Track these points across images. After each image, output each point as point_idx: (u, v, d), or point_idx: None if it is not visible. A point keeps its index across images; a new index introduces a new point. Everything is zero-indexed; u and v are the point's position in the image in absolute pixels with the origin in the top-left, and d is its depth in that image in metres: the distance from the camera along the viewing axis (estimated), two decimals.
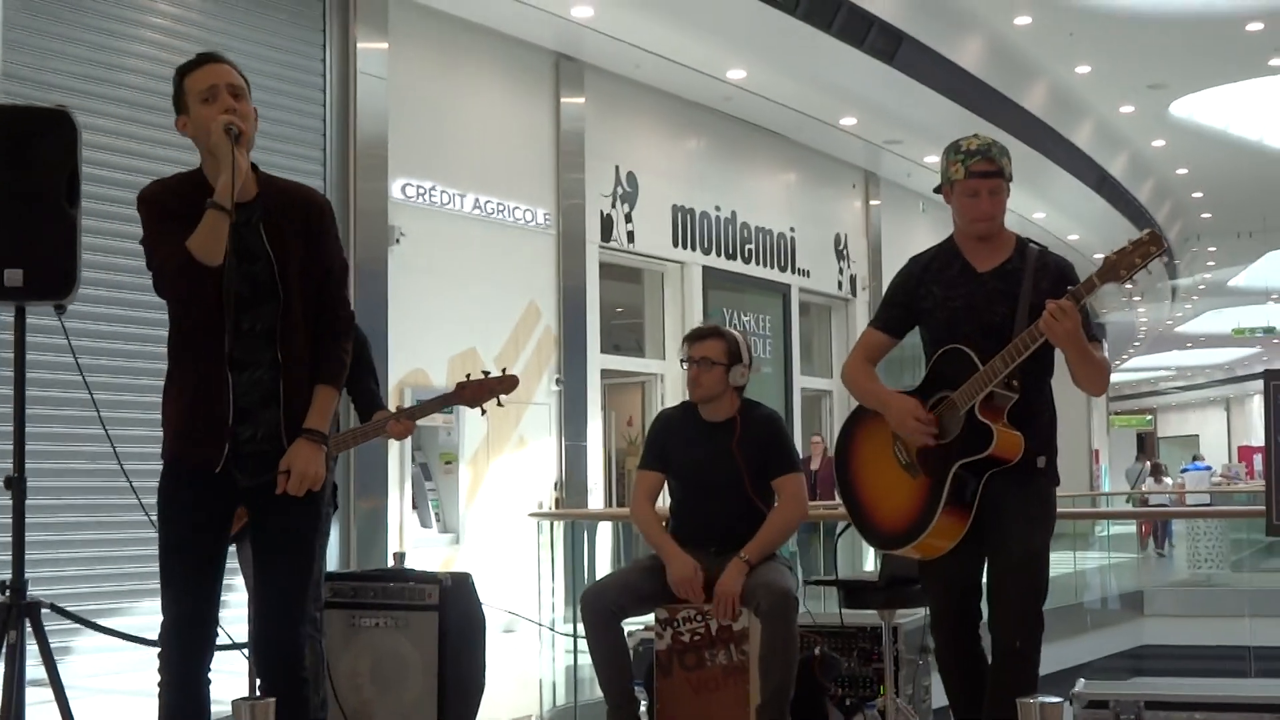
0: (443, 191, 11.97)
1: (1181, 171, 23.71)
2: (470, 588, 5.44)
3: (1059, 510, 4.35)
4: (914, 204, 19.72)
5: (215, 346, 3.58)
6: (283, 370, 3.61)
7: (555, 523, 10.48)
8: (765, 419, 5.17)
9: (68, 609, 5.15)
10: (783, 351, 17.13)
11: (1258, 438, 38.06)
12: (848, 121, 16.68)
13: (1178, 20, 16.15)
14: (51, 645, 4.73)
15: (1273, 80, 18.65)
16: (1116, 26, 16.33)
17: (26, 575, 4.20)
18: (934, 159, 4.31)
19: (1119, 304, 32.31)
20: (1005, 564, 4.07)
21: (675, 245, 15.04)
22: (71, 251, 4.35)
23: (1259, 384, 4.41)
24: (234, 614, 4.14)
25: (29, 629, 4.29)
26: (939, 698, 5.08)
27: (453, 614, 5.26)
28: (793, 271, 17.23)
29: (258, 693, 3.61)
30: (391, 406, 5.28)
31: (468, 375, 5.23)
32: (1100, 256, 3.98)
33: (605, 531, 11.66)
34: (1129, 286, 28.89)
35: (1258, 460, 32.81)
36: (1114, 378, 44.05)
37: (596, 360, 13.76)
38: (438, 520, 11.77)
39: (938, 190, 4.29)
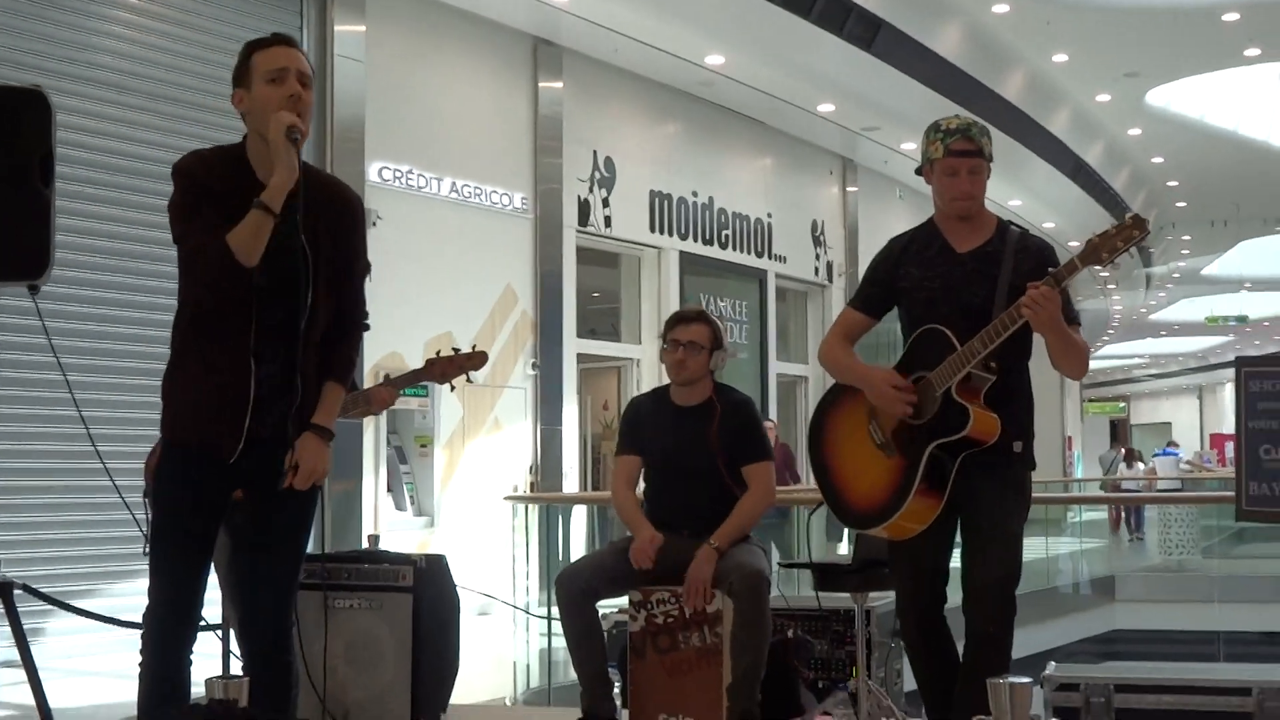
0: (420, 175, 11.95)
1: (1157, 160, 23.82)
2: (445, 569, 5.45)
3: (1034, 495, 4.36)
4: (891, 190, 19.76)
5: (238, 337, 3.52)
6: (299, 364, 3.58)
7: (530, 506, 10.50)
8: (741, 404, 5.18)
9: (41, 590, 5.15)
10: (759, 337, 17.16)
11: (1229, 425, 38.22)
12: (825, 108, 16.69)
13: (1154, 10, 16.23)
14: (24, 627, 4.73)
15: (1248, 70, 18.74)
16: (1093, 15, 16.40)
17: None
18: (911, 145, 4.30)
19: (1093, 291, 32.43)
20: (979, 547, 4.07)
21: (652, 230, 15.04)
22: (45, 232, 4.33)
23: (1231, 372, 4.44)
24: (209, 595, 4.14)
25: (1, 610, 4.28)
26: (911, 680, 5.11)
27: (427, 595, 5.26)
28: (769, 257, 17.25)
29: (240, 674, 3.61)
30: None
31: (438, 352, 5.23)
32: (1076, 245, 3.99)
33: (580, 515, 11.68)
34: (1105, 274, 29.07)
35: (1229, 448, 33.00)
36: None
37: (572, 345, 13.77)
38: (412, 503, 11.77)
39: (919, 171, 4.28)
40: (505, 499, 11.09)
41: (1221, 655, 11.00)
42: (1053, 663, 6.26)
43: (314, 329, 3.60)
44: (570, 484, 13.53)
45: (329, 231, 3.63)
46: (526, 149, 13.28)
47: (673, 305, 14.33)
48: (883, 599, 5.78)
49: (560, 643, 5.76)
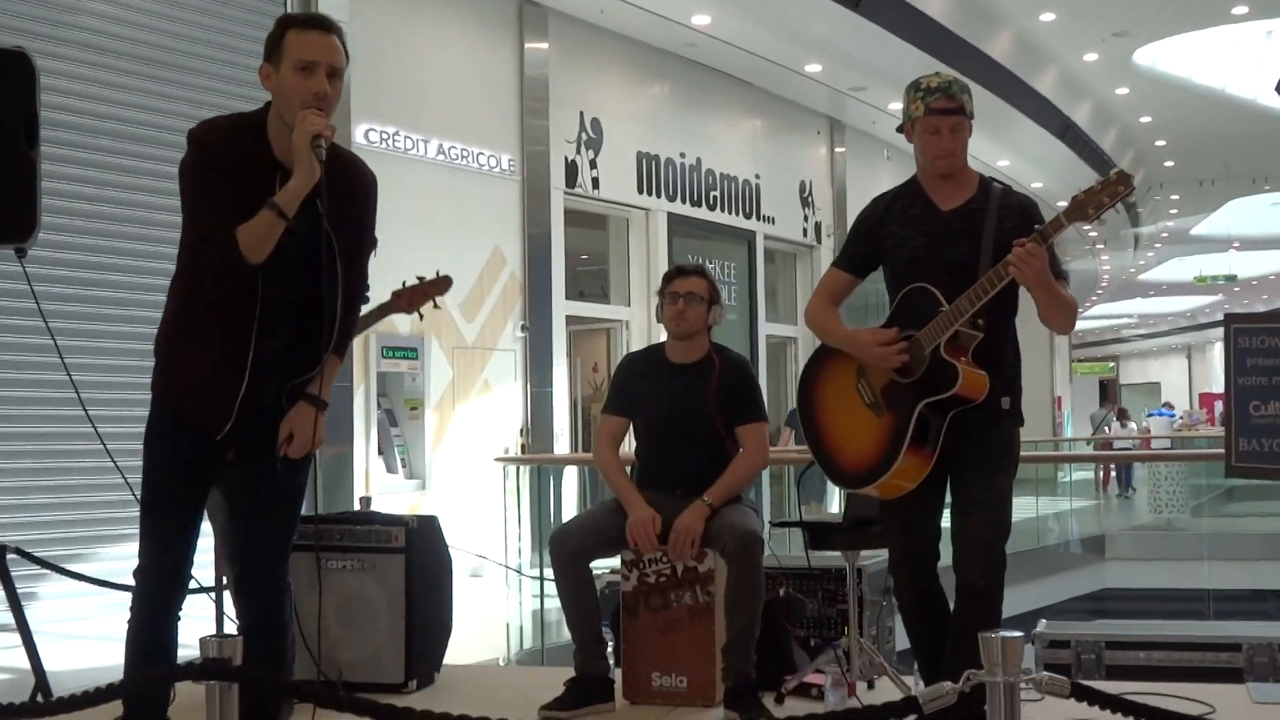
0: (406, 137, 11.91)
1: (1145, 120, 23.78)
2: (437, 530, 5.46)
3: (1024, 454, 4.37)
4: (879, 151, 19.72)
5: (242, 314, 3.48)
6: (297, 342, 3.55)
7: (521, 468, 10.52)
8: (738, 363, 5.18)
9: (34, 554, 5.15)
10: (748, 298, 17.16)
11: (1218, 384, 38.34)
12: (813, 68, 16.64)
13: None
14: (18, 590, 4.74)
15: (1236, 28, 18.70)
16: None
17: None
18: (899, 106, 4.27)
19: (1082, 252, 32.45)
20: (969, 503, 4.09)
21: (640, 192, 15.01)
22: (31, 194, 4.32)
23: (1220, 331, 4.45)
24: (202, 559, 4.14)
25: None
26: (903, 638, 5.13)
27: (419, 556, 5.28)
28: (758, 218, 17.23)
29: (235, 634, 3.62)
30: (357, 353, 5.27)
31: (403, 282, 5.22)
32: (1064, 205, 3.98)
33: (571, 476, 11.70)
34: (1093, 234, 29.10)
35: (1219, 407, 33.11)
36: (1077, 325, 44.27)
37: (562, 306, 13.77)
38: (404, 466, 11.79)
39: (900, 129, 4.27)
40: (496, 461, 11.11)
41: (1211, 612, 11.08)
42: (1044, 620, 6.30)
43: (315, 308, 3.54)
44: (561, 445, 13.54)
45: (346, 212, 3.59)
46: (513, 111, 13.23)
47: (662, 267, 14.30)
48: (874, 557, 5.80)
49: (553, 603, 5.79)
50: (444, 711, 2.57)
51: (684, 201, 15.72)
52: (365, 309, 5.15)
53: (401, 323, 11.15)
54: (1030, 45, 18.77)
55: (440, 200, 12.17)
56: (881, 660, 5.18)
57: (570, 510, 11.18)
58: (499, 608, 9.87)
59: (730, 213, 16.69)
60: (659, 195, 15.28)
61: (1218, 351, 44.77)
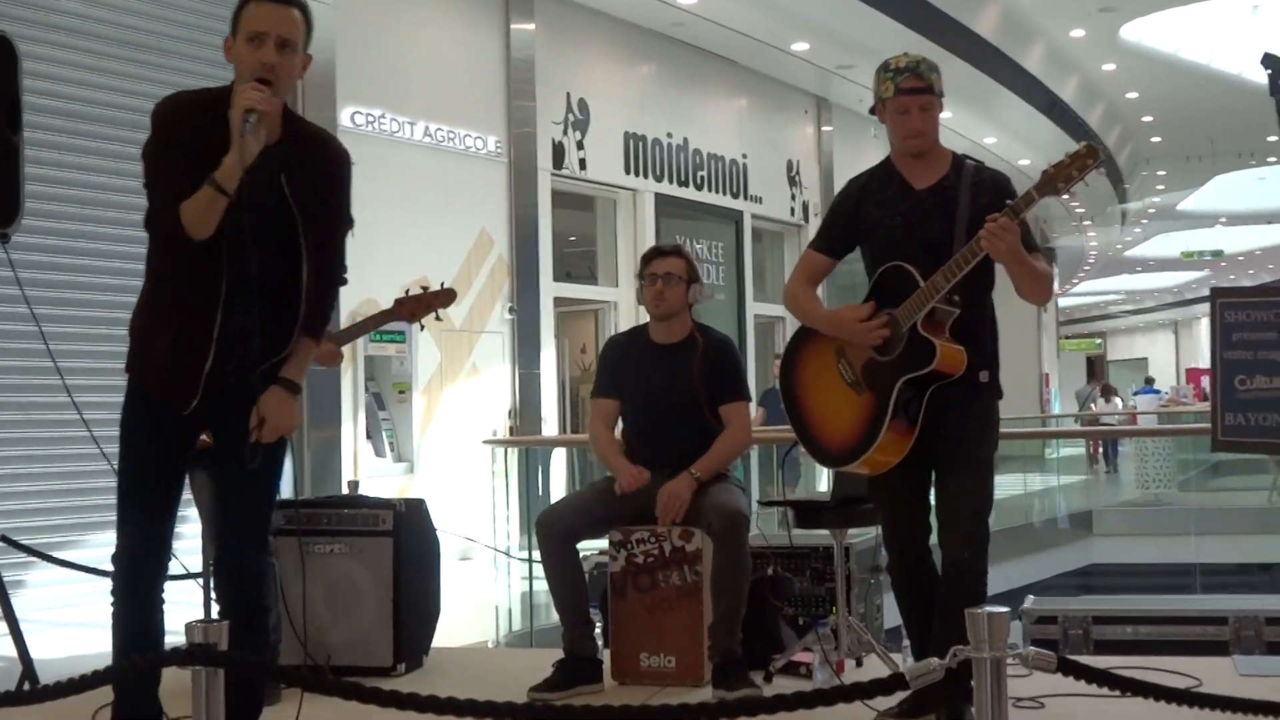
0: (392, 119, 11.87)
1: (1131, 95, 23.76)
2: (424, 513, 5.47)
3: (1009, 430, 4.40)
4: (866, 129, 19.66)
5: (208, 288, 3.45)
6: (267, 321, 3.50)
7: (509, 450, 10.52)
8: (723, 342, 5.20)
9: (20, 541, 5.15)
10: (735, 278, 17.14)
11: (1205, 360, 38.37)
12: (799, 47, 16.61)
13: None
14: (4, 578, 4.73)
15: (1222, 3, 18.68)
16: None
17: None
18: None
19: (1069, 228, 32.46)
20: (950, 476, 4.14)
21: (627, 173, 14.98)
22: (14, 179, 4.31)
23: (1207, 307, 4.46)
24: (188, 545, 4.14)
25: None
26: (891, 616, 5.15)
27: (407, 539, 5.28)
28: (745, 198, 17.21)
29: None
30: None
31: (406, 290, 5.21)
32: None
33: (559, 458, 11.71)
34: (1080, 210, 29.11)
35: (1205, 382, 33.18)
36: (1063, 302, 44.56)
37: (549, 288, 13.74)
38: (392, 449, 11.78)
39: (873, 110, 4.31)
40: (484, 443, 11.10)
41: (1198, 587, 11.11)
42: (1031, 596, 6.33)
43: (288, 284, 3.52)
44: (549, 427, 13.53)
45: (314, 188, 3.55)
46: (499, 92, 13.19)
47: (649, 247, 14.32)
48: (862, 535, 5.82)
49: (541, 585, 5.78)
50: (432, 694, 2.57)
51: (671, 182, 15.69)
52: (366, 314, 5.15)
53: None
54: (1017, 21, 18.74)
55: (427, 182, 12.13)
56: (869, 638, 5.21)
57: (559, 492, 11.19)
58: (487, 590, 9.88)
59: (718, 192, 16.66)
60: (646, 176, 15.25)
61: (1204, 327, 44.82)
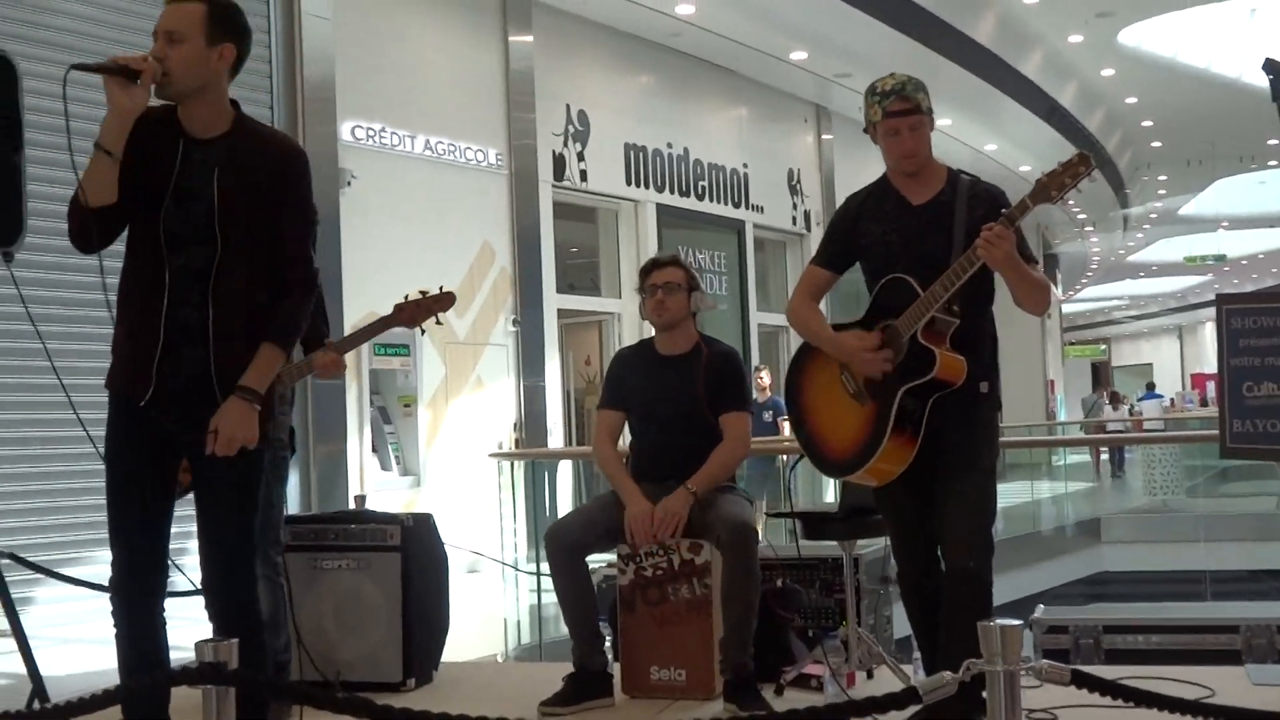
0: (393, 133, 11.88)
1: (1131, 100, 23.77)
2: (432, 528, 5.45)
3: (1017, 439, 4.41)
4: (866, 138, 19.55)
5: (152, 281, 3.54)
6: (211, 313, 3.53)
7: (516, 463, 10.50)
8: (728, 354, 5.19)
9: (28, 559, 5.14)
10: (738, 288, 17.15)
11: (1210, 365, 38.47)
12: (798, 56, 16.62)
13: None
14: (13, 595, 4.72)
15: (1220, 7, 18.69)
16: None
17: None
18: None
19: (1071, 234, 32.46)
20: (951, 485, 4.14)
21: (628, 183, 15.00)
22: (17, 198, 4.30)
23: (1211, 311, 4.46)
24: (195, 560, 4.12)
25: None
26: (900, 627, 5.13)
27: (415, 554, 5.27)
28: (746, 207, 17.22)
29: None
30: None
31: (405, 296, 5.20)
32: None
33: (566, 470, 11.70)
34: (1082, 216, 29.08)
35: (1210, 388, 33.18)
36: (1067, 308, 44.50)
37: (553, 300, 13.75)
38: (398, 463, 11.77)
39: (865, 131, 4.35)
40: (490, 456, 11.09)
41: (1209, 594, 11.09)
42: (1041, 605, 6.31)
43: (229, 278, 3.55)
44: (555, 439, 13.53)
45: (258, 184, 3.58)
46: (499, 104, 13.21)
47: None
48: (871, 546, 5.80)
49: (550, 598, 5.77)
50: (443, 711, 2.56)
51: (672, 192, 15.70)
52: (366, 321, 5.13)
53: None
54: (1015, 28, 18.74)
55: (428, 196, 12.14)
56: (880, 649, 5.19)
57: (566, 504, 11.18)
58: (496, 604, 9.86)
59: (719, 202, 16.67)
60: (647, 186, 15.26)
61: (1209, 331, 44.85)
